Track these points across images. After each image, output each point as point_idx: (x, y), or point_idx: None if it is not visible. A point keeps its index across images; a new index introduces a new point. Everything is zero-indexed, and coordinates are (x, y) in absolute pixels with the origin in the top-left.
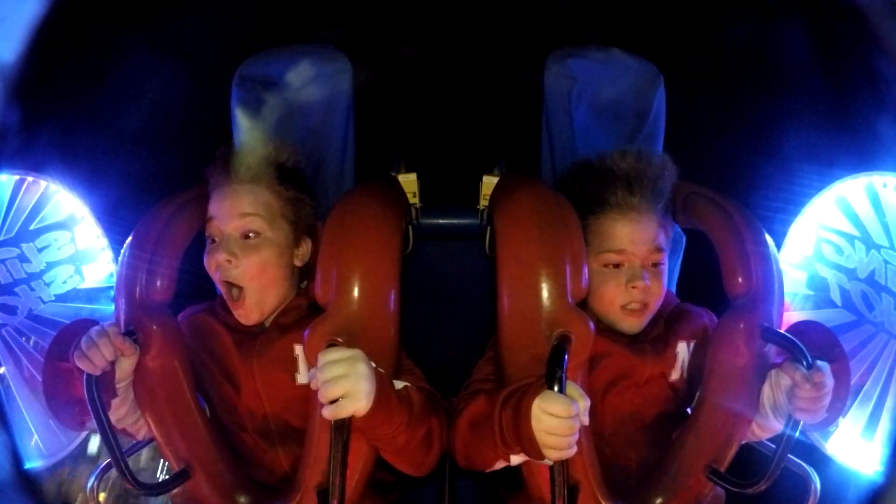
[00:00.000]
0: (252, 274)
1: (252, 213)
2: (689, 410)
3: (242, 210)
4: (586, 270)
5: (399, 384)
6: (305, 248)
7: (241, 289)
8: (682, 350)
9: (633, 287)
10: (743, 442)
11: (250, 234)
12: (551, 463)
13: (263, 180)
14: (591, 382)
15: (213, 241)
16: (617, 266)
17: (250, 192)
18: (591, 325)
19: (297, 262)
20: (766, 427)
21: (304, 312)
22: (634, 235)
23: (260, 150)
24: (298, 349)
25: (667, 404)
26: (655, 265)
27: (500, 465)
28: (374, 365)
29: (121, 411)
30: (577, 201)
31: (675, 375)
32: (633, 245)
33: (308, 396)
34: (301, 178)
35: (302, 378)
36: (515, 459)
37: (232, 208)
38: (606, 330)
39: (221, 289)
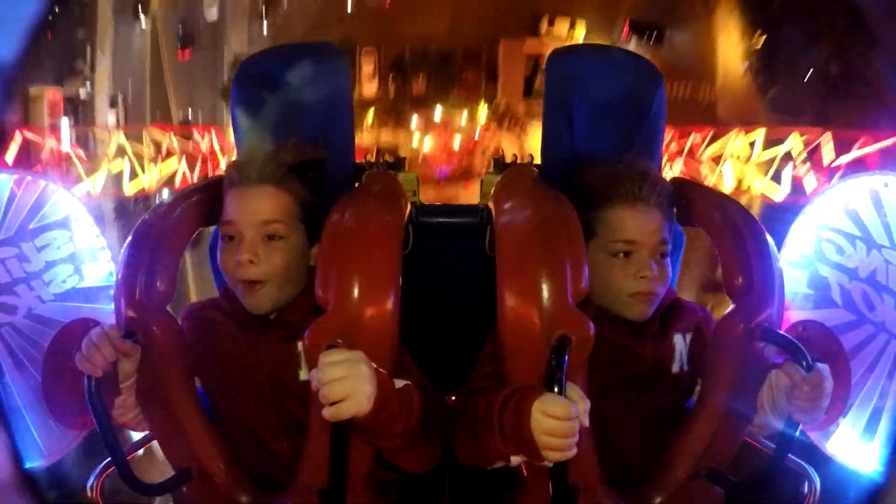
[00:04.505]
0: (275, 273)
1: (274, 219)
2: (690, 404)
3: (265, 216)
4: (586, 270)
5: (400, 383)
6: (317, 249)
7: (261, 283)
8: (679, 342)
9: (642, 277)
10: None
11: (273, 236)
12: (551, 464)
13: (284, 183)
14: (592, 377)
15: (230, 238)
16: (626, 255)
17: (272, 196)
18: (592, 326)
19: (312, 262)
20: (766, 427)
21: (308, 309)
22: (643, 226)
23: (282, 152)
24: (301, 345)
25: (668, 399)
26: (663, 255)
27: (499, 464)
28: (374, 366)
29: (124, 409)
30: (582, 198)
31: (675, 368)
32: (643, 235)
33: (309, 395)
34: (319, 184)
35: (305, 374)
36: (515, 460)
37: (254, 213)
38: (609, 323)
39: (235, 286)
